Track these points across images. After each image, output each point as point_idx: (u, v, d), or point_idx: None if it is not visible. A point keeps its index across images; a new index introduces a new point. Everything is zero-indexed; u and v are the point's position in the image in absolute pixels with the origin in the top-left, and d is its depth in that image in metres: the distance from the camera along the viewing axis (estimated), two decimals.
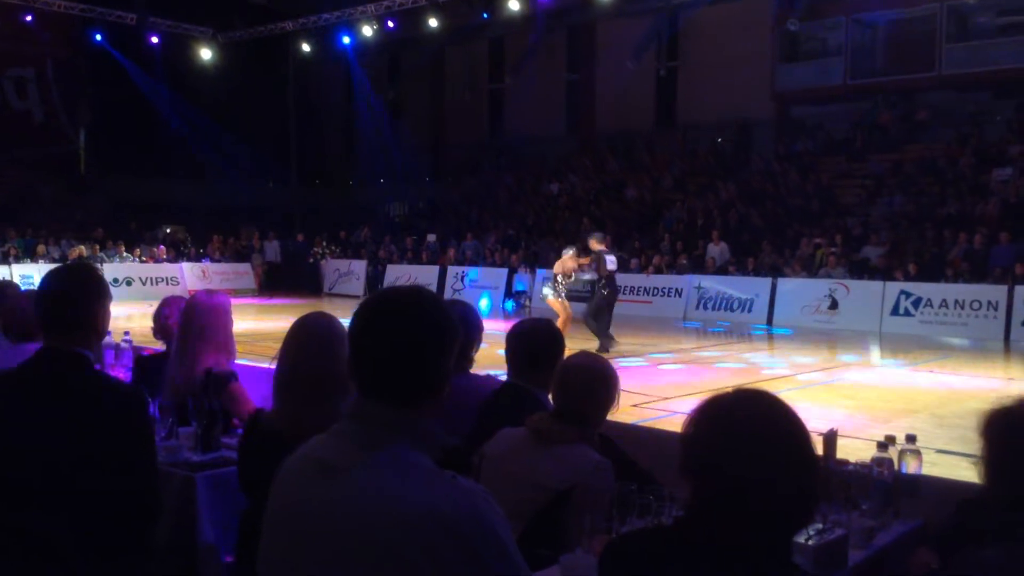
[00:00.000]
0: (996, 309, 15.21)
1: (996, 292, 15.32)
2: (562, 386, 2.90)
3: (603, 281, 12.30)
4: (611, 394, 2.90)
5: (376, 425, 1.68)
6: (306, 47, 28.01)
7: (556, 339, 3.39)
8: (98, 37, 26.51)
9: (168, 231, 25.57)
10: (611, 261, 12.44)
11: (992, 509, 2.20)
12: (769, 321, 17.31)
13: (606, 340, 12.05)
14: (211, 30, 27.85)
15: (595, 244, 12.60)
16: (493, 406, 3.37)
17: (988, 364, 12.57)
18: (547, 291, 12.86)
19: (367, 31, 25.83)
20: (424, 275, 21.85)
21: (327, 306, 19.32)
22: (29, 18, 24.20)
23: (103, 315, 2.69)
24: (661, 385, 9.79)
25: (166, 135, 27.25)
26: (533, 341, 3.39)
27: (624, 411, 7.57)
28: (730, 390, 1.73)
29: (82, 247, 21.37)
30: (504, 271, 21.57)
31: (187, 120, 27.41)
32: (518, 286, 21.04)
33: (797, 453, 1.64)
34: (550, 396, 3.05)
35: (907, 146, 21.79)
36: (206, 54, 27.57)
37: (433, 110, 32.04)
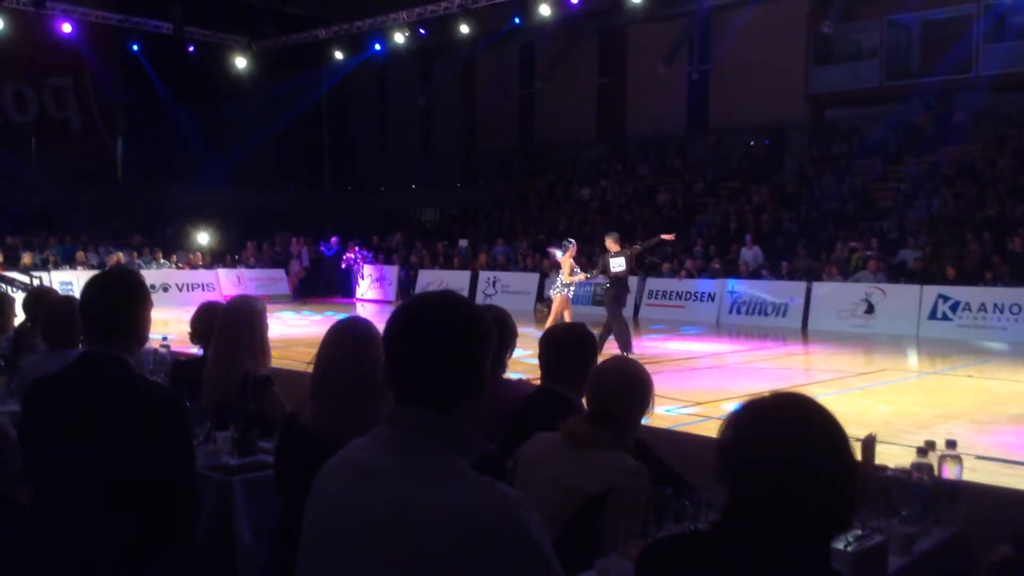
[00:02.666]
0: None
1: None
2: (596, 390, 2.90)
3: (607, 282, 12.47)
4: (645, 398, 2.89)
5: (416, 430, 1.69)
6: (339, 54, 28.23)
7: (589, 343, 3.39)
8: (135, 47, 26.93)
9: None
10: (616, 264, 12.41)
11: None
12: (804, 326, 17.15)
13: (602, 340, 11.98)
14: (246, 39, 28.18)
15: (609, 244, 12.65)
16: (527, 411, 3.37)
17: None
18: (553, 289, 13.38)
19: (399, 38, 25.97)
20: (456, 280, 21.92)
21: (360, 311, 19.43)
22: (68, 28, 24.61)
23: (145, 321, 2.73)
24: (695, 390, 9.74)
25: (201, 142, 27.59)
26: (566, 345, 3.39)
27: (658, 416, 7.54)
28: (767, 394, 1.71)
29: (120, 254, 21.67)
30: (536, 276, 21.59)
31: (222, 127, 27.71)
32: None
33: (836, 457, 1.62)
34: (584, 400, 3.05)
35: (944, 148, 21.51)
36: (241, 62, 27.90)
37: (465, 115, 32.15)
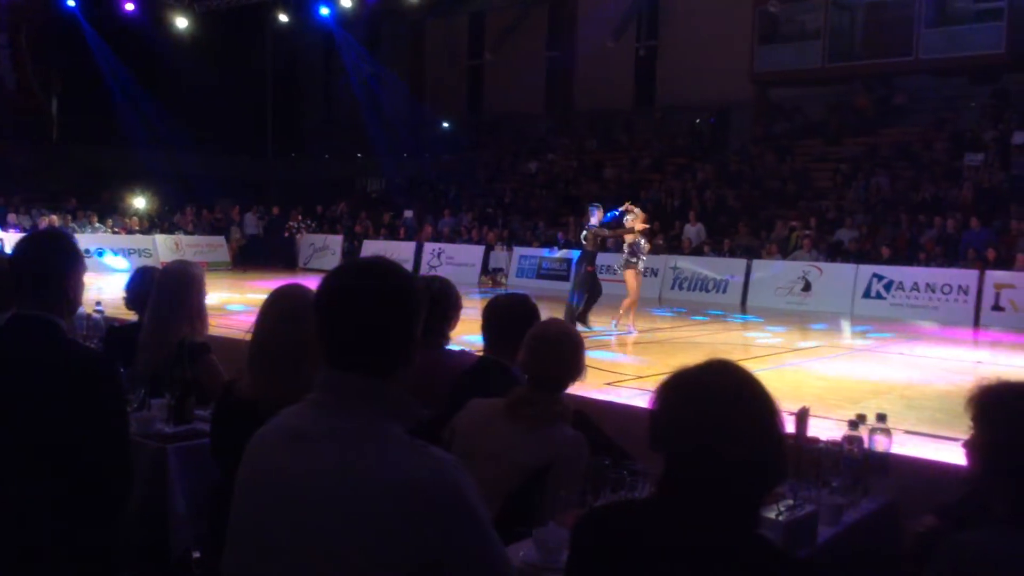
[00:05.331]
0: (966, 293, 15.41)
1: (967, 276, 15.52)
2: (533, 354, 2.88)
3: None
4: (582, 361, 2.91)
5: (347, 395, 1.68)
6: (284, 17, 27.64)
7: (531, 314, 3.40)
8: (71, 2, 26.02)
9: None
10: (583, 236, 12.35)
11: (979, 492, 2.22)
12: (743, 302, 17.44)
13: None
14: None
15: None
16: (468, 381, 3.37)
17: (957, 347, 12.74)
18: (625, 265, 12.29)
19: (346, 2, 25.52)
20: (400, 251, 21.77)
21: (302, 281, 19.22)
22: None
23: (77, 284, 2.66)
24: (634, 364, 9.85)
25: (140, 104, 26.88)
26: (508, 316, 3.40)
27: (598, 389, 7.61)
28: (696, 363, 1.72)
29: (53, 216, 21.10)
30: (480, 248, 21.57)
31: (162, 90, 27.03)
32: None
33: (763, 423, 1.64)
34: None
35: (883, 130, 21.94)
36: (182, 22, 27.14)
37: (412, 85, 31.83)
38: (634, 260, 12.11)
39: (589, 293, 12.09)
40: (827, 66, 23.63)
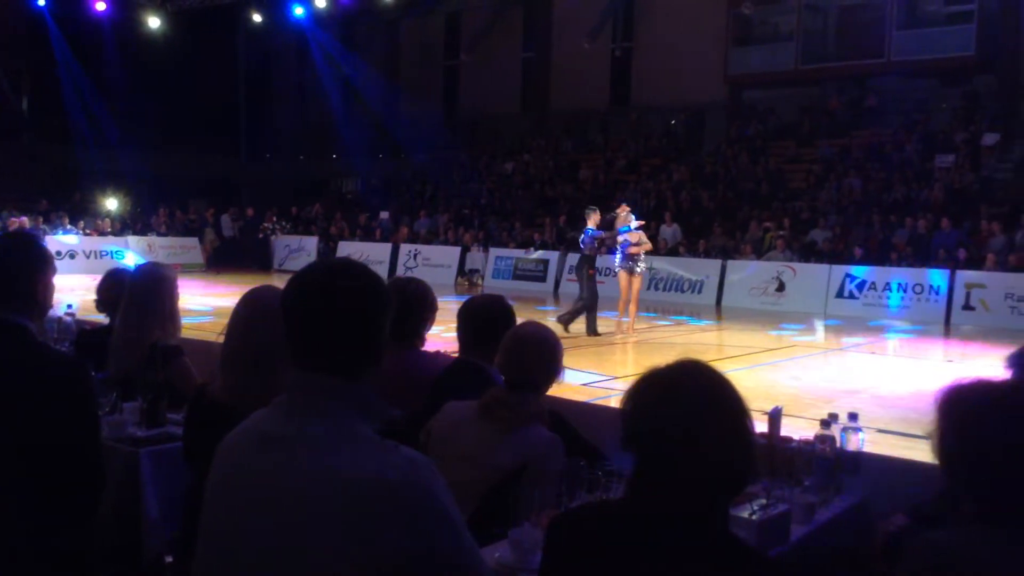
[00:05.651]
0: (938, 293, 15.59)
1: (938, 276, 15.70)
2: (514, 356, 2.89)
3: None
4: (560, 363, 2.92)
5: (315, 396, 1.68)
6: (257, 17, 27.47)
7: (507, 315, 3.39)
8: (40, 1, 25.71)
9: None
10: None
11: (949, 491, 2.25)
12: (718, 303, 17.53)
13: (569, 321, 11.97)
14: None
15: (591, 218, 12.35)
16: (445, 383, 3.36)
17: (928, 347, 12.89)
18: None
19: (320, 2, 25.41)
20: (376, 252, 21.72)
21: (277, 283, 19.10)
22: None
23: (46, 287, 2.63)
24: (610, 364, 9.87)
25: (111, 105, 26.62)
26: (484, 317, 3.39)
27: (573, 390, 7.63)
28: (667, 363, 1.73)
29: (24, 218, 20.84)
30: (457, 249, 21.54)
31: (134, 90, 26.78)
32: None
33: (733, 423, 1.65)
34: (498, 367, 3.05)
35: (855, 132, 22.15)
36: (154, 22, 26.90)
37: (388, 85, 31.75)
38: (630, 264, 12.16)
39: (590, 299, 12.00)
40: (800, 68, 23.84)
